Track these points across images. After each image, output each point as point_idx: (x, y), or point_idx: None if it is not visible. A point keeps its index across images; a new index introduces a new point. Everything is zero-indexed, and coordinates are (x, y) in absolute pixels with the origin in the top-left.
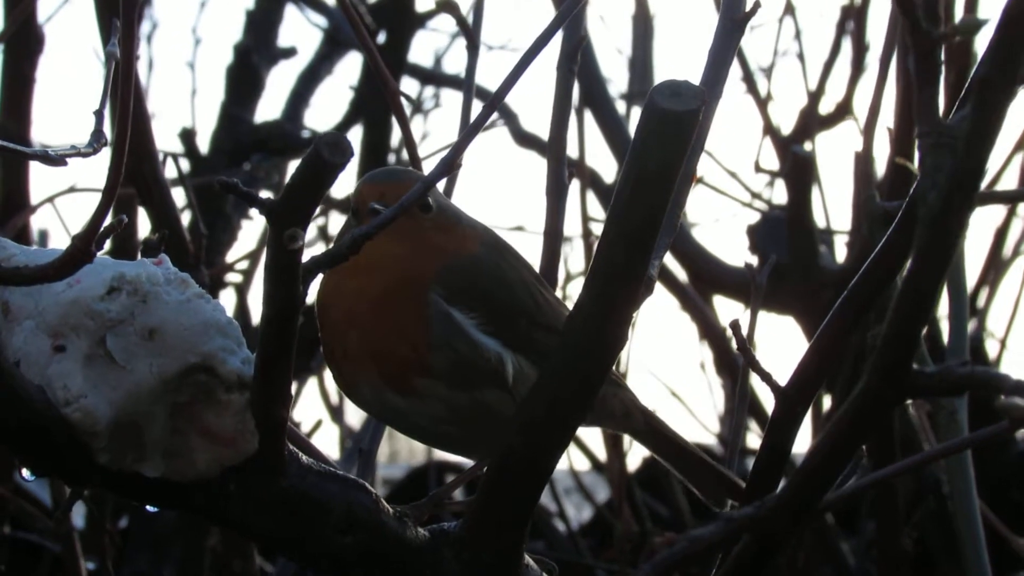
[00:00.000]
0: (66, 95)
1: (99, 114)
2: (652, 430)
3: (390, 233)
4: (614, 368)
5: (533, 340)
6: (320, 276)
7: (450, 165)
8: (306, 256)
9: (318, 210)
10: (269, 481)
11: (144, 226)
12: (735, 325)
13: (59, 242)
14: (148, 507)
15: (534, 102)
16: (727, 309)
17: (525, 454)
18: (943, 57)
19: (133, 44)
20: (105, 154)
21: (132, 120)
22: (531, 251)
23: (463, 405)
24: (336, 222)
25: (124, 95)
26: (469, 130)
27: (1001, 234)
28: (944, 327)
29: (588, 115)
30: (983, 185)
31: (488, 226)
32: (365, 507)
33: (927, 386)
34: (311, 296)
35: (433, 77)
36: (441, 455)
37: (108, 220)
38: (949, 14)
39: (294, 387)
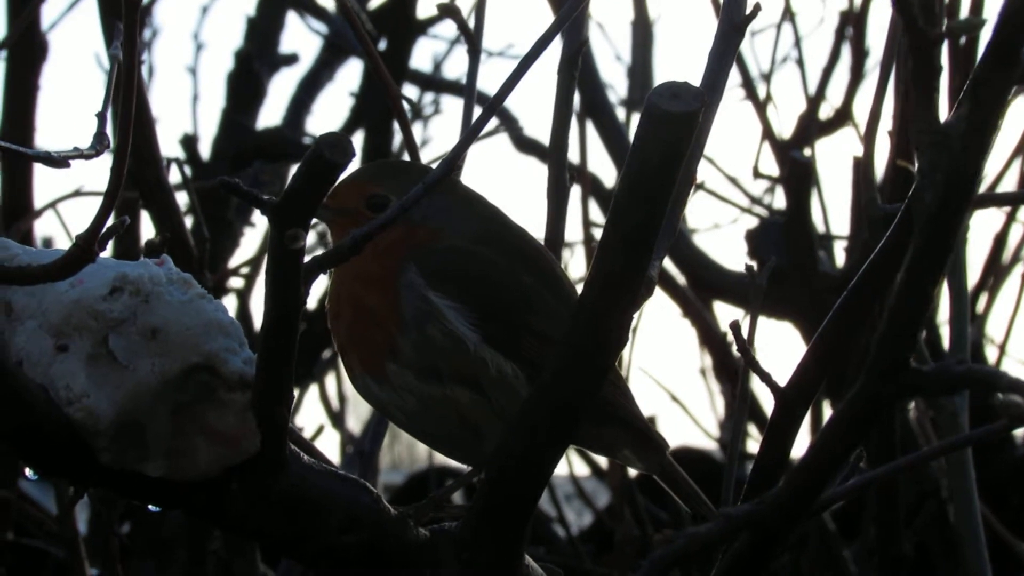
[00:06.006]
0: (71, 103)
1: (101, 116)
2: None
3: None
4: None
5: (522, 345)
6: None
7: (451, 165)
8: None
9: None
10: (271, 480)
11: (148, 231)
12: (735, 326)
13: (63, 248)
14: (150, 507)
15: (534, 109)
16: (727, 315)
17: (526, 455)
18: (948, 64)
19: (136, 45)
20: (108, 157)
21: (136, 123)
22: None
23: (434, 400)
24: None
25: (127, 96)
26: (470, 131)
27: (1000, 240)
28: (944, 333)
29: (589, 122)
30: (983, 189)
31: (485, 225)
32: (366, 506)
33: (924, 383)
34: (313, 301)
35: (433, 83)
36: (441, 461)
37: (111, 221)
38: (954, 11)
39: (296, 393)
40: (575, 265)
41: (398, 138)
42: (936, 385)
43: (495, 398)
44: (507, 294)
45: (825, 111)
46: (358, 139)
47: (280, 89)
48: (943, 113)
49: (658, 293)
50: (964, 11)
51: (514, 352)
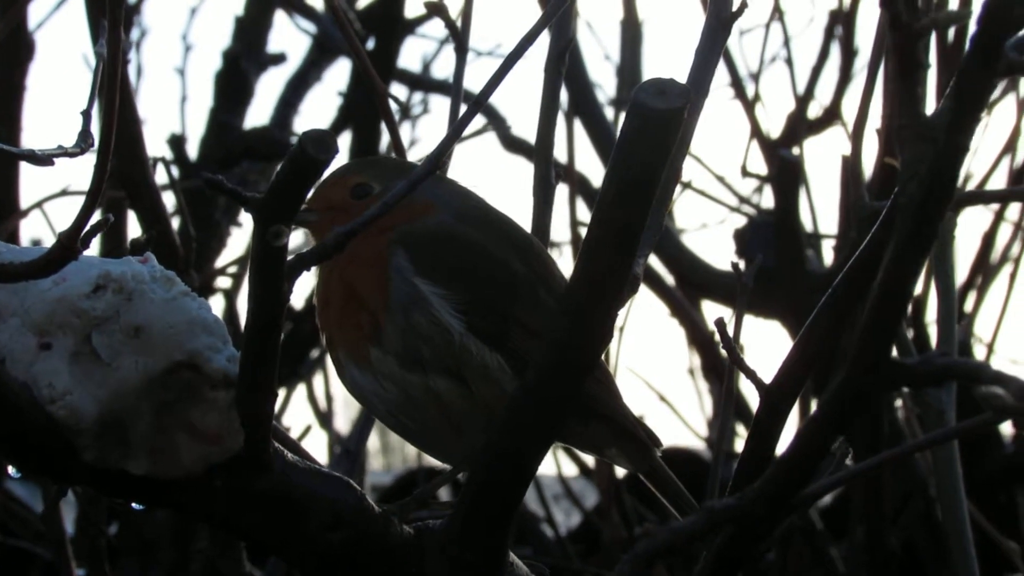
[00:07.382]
0: (58, 103)
1: (86, 114)
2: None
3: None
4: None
5: (510, 337)
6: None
7: (436, 162)
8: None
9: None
10: (255, 478)
11: (134, 230)
12: (720, 323)
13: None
14: (134, 505)
15: (523, 109)
16: (715, 314)
17: (510, 453)
18: (936, 63)
19: (120, 40)
20: (94, 155)
21: (122, 123)
22: None
23: (415, 390)
24: None
25: (111, 91)
26: (455, 129)
27: (988, 239)
28: (932, 332)
29: (577, 121)
30: (972, 187)
31: (474, 204)
32: (350, 504)
33: (907, 376)
34: (299, 301)
35: (421, 82)
36: (430, 461)
37: (95, 219)
38: (943, 5)
39: (283, 393)
40: (562, 264)
41: (386, 138)
42: (918, 377)
43: (478, 391)
44: (497, 282)
45: (814, 110)
46: (345, 139)
47: (268, 89)
48: (930, 110)
49: (646, 293)
50: (953, 4)
51: (501, 344)
